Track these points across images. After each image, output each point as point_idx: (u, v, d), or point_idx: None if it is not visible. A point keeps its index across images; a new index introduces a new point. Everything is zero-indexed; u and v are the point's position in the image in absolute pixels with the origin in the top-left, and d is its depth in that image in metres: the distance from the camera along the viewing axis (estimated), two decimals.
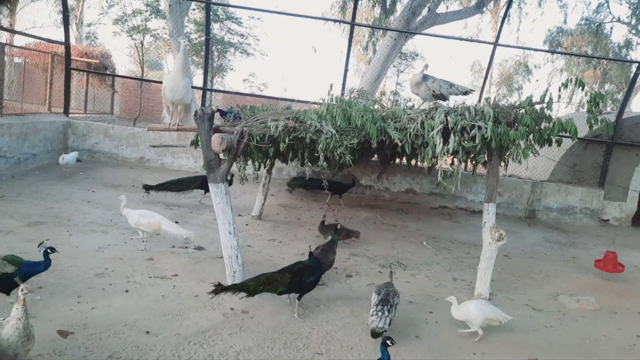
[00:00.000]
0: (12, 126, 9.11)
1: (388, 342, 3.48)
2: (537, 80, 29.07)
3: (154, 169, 11.28)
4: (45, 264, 4.26)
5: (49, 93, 11.84)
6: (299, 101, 9.20)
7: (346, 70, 11.95)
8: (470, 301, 4.68)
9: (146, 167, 11.45)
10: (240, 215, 8.10)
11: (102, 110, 17.32)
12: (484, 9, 18.03)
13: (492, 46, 12.42)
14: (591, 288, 6.59)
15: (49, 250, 4.32)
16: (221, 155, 5.26)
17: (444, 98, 6.28)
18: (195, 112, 5.25)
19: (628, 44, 24.13)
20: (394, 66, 26.42)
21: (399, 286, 5.74)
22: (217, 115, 5.60)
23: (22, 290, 3.04)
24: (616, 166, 11.91)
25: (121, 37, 22.76)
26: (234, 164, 5.50)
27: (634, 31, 24.12)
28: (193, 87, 9.91)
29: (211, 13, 14.14)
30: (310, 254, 5.12)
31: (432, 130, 5.18)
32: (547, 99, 5.29)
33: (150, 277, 5.15)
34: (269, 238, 7.19)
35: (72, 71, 12.40)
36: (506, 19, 13.84)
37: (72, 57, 12.57)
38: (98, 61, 17.56)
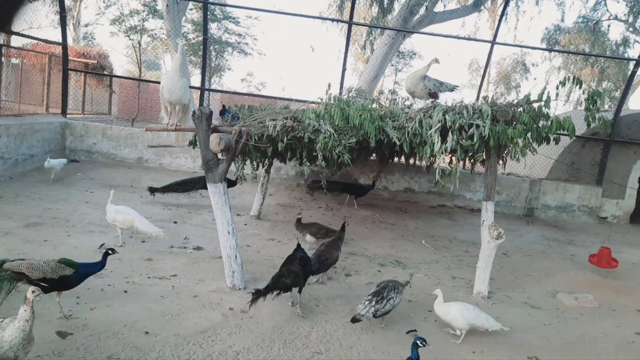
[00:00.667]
0: (9, 127, 9.09)
1: (419, 342, 3.46)
2: (534, 79, 29.15)
3: (152, 170, 11.27)
4: (101, 264, 4.34)
5: (47, 94, 11.82)
6: (297, 100, 9.21)
7: (344, 70, 11.95)
8: (455, 303, 4.62)
9: (144, 167, 11.44)
10: (238, 215, 8.10)
11: (99, 111, 17.30)
12: (482, 7, 18.04)
13: (489, 44, 12.44)
14: (590, 285, 6.60)
15: (109, 252, 4.42)
16: (219, 155, 5.26)
17: (436, 96, 6.36)
18: (194, 112, 5.24)
19: (625, 42, 24.18)
20: (392, 65, 26.44)
21: None
22: (215, 114, 5.60)
23: (32, 291, 3.04)
24: (614, 164, 11.95)
25: (119, 37, 22.75)
26: (232, 164, 5.50)
27: (631, 29, 24.16)
28: (191, 87, 9.88)
29: (209, 13, 14.13)
30: (298, 245, 5.20)
31: (430, 129, 5.18)
32: (544, 97, 5.29)
33: (149, 277, 5.15)
34: (268, 238, 7.19)
35: (69, 72, 12.38)
36: (504, 17, 13.87)
37: (70, 58, 12.54)
38: (95, 62, 17.54)
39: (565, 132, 5.29)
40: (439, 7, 16.48)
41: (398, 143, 5.35)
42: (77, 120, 12.02)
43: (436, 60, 6.40)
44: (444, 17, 16.41)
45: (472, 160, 6.61)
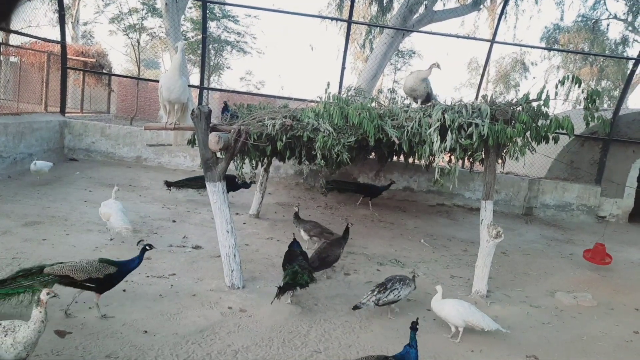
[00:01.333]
0: (8, 126, 9.07)
1: (417, 326, 3.58)
2: (534, 78, 29.15)
3: (151, 168, 11.26)
4: (139, 259, 4.37)
5: (45, 92, 11.80)
6: (296, 99, 9.20)
7: (343, 68, 11.94)
8: (451, 299, 4.63)
9: (143, 166, 11.42)
10: (237, 213, 8.09)
11: (98, 110, 17.27)
12: (481, 6, 18.02)
13: (489, 43, 12.44)
14: (588, 284, 6.61)
15: (147, 247, 4.47)
16: (218, 154, 5.25)
17: (429, 99, 6.41)
18: (193, 110, 5.23)
19: (624, 41, 24.18)
20: (391, 64, 26.46)
21: None
22: (215, 113, 5.59)
23: (47, 293, 3.07)
24: (613, 163, 11.96)
25: (117, 35, 22.76)
26: (231, 163, 5.49)
27: (630, 28, 24.16)
28: (190, 86, 9.87)
29: (208, 11, 14.11)
30: (294, 240, 5.44)
31: (430, 128, 5.18)
32: (544, 96, 5.29)
33: (148, 276, 5.14)
34: (267, 236, 7.19)
35: (68, 70, 12.35)
36: (503, 16, 13.87)
37: (68, 56, 12.52)
38: (94, 60, 17.51)
39: (564, 131, 5.29)
40: (438, 6, 16.48)
41: (397, 142, 5.35)
42: (75, 119, 12.00)
43: (437, 65, 6.40)
44: (444, 16, 16.39)
45: (471, 159, 6.61)
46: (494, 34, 12.60)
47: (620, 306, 5.96)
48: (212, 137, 5.02)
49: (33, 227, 6.20)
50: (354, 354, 4.02)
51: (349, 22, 12.55)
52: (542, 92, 5.33)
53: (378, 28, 18.92)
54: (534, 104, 5.43)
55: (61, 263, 4.07)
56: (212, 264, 5.70)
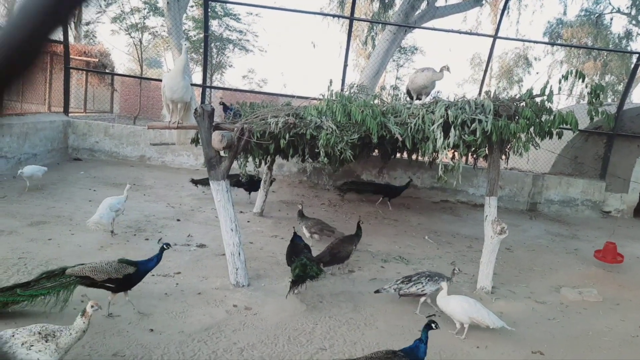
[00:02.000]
0: (12, 126, 9.11)
1: (433, 325, 3.58)
2: (537, 73, 28.97)
3: (154, 167, 11.29)
4: (157, 259, 4.42)
5: (49, 93, 11.84)
6: (298, 97, 9.19)
7: (345, 66, 11.93)
8: (455, 296, 4.63)
9: (147, 165, 11.45)
10: (241, 212, 8.10)
11: (101, 109, 17.32)
12: (483, 1, 17.97)
13: (491, 39, 12.39)
14: (593, 280, 6.60)
15: (165, 247, 4.50)
16: (222, 153, 5.26)
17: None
18: (196, 109, 5.24)
19: (628, 35, 24.05)
20: (394, 60, 26.40)
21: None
22: (218, 111, 5.61)
23: (91, 306, 3.17)
24: (617, 158, 11.90)
25: (120, 35, 22.81)
26: (235, 162, 5.50)
27: (634, 22, 24.02)
28: (192, 85, 9.88)
29: (209, 10, 14.11)
30: (295, 234, 5.63)
31: (433, 124, 5.17)
32: (547, 92, 5.28)
33: (153, 275, 5.14)
34: (271, 234, 7.20)
35: (71, 70, 12.38)
36: (505, 12, 13.80)
37: (71, 56, 12.55)
38: (97, 60, 17.53)
39: (568, 126, 5.27)
40: (440, 2, 16.42)
41: (400, 139, 5.34)
42: (79, 118, 12.04)
43: (447, 69, 6.39)
44: (446, 12, 16.34)
45: (474, 156, 6.59)
46: (497, 30, 12.55)
47: (626, 302, 5.94)
48: (216, 135, 5.03)
49: (38, 227, 6.22)
50: (359, 351, 4.03)
51: (351, 19, 12.53)
52: (545, 87, 5.31)
53: (380, 25, 18.89)
54: (538, 100, 5.41)
55: (82, 264, 4.14)
56: (216, 262, 5.72)
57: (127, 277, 4.12)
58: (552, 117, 5.30)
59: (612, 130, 11.71)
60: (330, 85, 5.89)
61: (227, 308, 4.57)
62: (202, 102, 12.32)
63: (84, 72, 16.25)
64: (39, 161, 9.92)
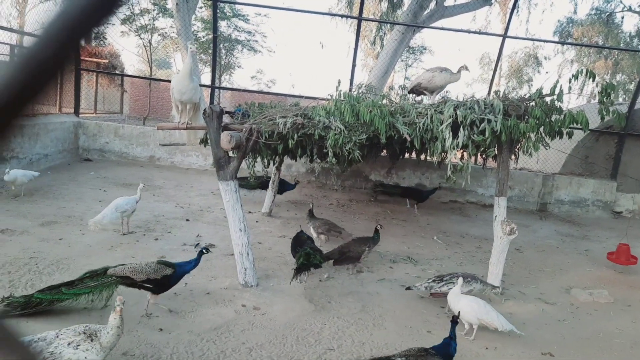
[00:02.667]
0: (23, 127, 9.20)
1: (458, 321, 3.76)
2: (547, 72, 28.77)
3: (164, 168, 11.36)
4: (196, 262, 4.47)
5: (60, 94, 11.94)
6: (307, 97, 9.20)
7: (354, 66, 11.91)
8: (468, 296, 4.61)
9: (156, 165, 11.52)
10: (250, 212, 8.13)
11: (111, 110, 17.45)
12: (493, 0, 17.86)
13: (501, 38, 12.32)
14: (604, 281, 6.53)
15: (204, 251, 4.55)
16: (230, 153, 5.28)
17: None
18: (204, 110, 5.27)
19: (639, 34, 23.78)
20: (402, 60, 26.33)
21: (411, 281, 5.75)
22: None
23: (117, 302, 3.24)
24: (629, 157, 11.78)
25: (129, 36, 22.89)
26: (243, 162, 5.52)
27: None
28: (201, 85, 9.93)
29: (218, 11, 14.17)
30: (300, 230, 5.85)
31: (441, 124, 5.15)
32: (557, 91, 5.23)
33: None
34: (280, 234, 7.22)
35: (81, 71, 12.49)
36: (515, 11, 13.72)
37: (82, 58, 12.67)
38: (107, 61, 17.68)
39: (579, 125, 5.23)
40: (449, 1, 16.34)
41: (409, 139, 5.33)
42: (89, 119, 12.14)
43: (466, 68, 6.35)
44: (455, 11, 16.26)
45: (484, 156, 6.55)
46: (506, 29, 12.47)
47: (638, 303, 5.88)
48: (224, 136, 5.05)
49: (49, 227, 6.29)
50: (367, 352, 4.03)
51: (359, 19, 12.51)
52: (555, 86, 5.27)
53: (388, 24, 18.85)
54: (548, 99, 5.37)
55: (123, 265, 4.24)
56: (225, 262, 5.74)
57: (165, 278, 4.20)
58: (562, 116, 5.25)
59: (624, 129, 11.59)
60: (339, 85, 5.89)
61: (236, 308, 4.59)
62: (211, 102, 12.38)
63: (95, 73, 16.38)
64: (49, 162, 10.02)
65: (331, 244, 6.66)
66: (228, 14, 24.03)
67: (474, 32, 15.31)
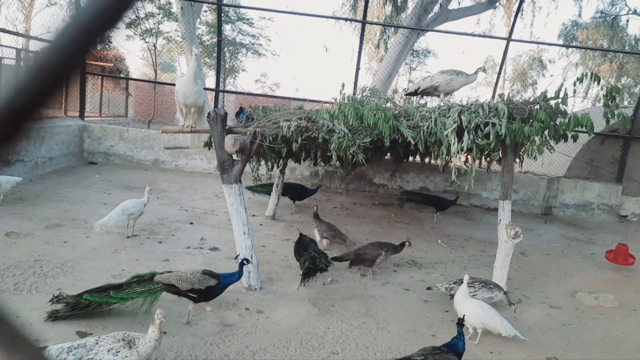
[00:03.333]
0: (32, 130, 9.24)
1: (463, 322, 3.83)
2: (551, 75, 28.63)
3: (168, 171, 11.39)
4: (239, 274, 4.46)
5: (65, 97, 11.99)
6: (311, 101, 9.20)
7: (358, 69, 11.93)
8: (473, 299, 4.58)
9: (161, 169, 11.56)
10: (254, 215, 8.13)
11: (116, 113, 17.53)
12: (497, 4, 17.84)
13: (505, 41, 12.31)
14: (610, 285, 6.49)
15: (244, 262, 4.53)
16: (235, 156, 5.29)
17: None
18: (209, 113, 5.29)
19: None
20: (406, 64, 26.30)
21: (415, 285, 5.74)
22: (231, 116, 5.65)
23: (157, 315, 3.30)
24: (634, 161, 11.72)
25: (134, 40, 22.99)
26: (247, 165, 5.53)
27: None
28: (205, 89, 9.96)
29: (222, 14, 14.22)
30: (300, 234, 5.88)
31: (446, 129, 5.14)
32: (562, 94, 5.22)
33: None
34: (283, 238, 7.21)
35: (87, 75, 12.56)
36: (519, 14, 13.72)
37: (87, 61, 12.72)
38: (112, 65, 17.77)
39: (584, 129, 5.21)
40: (453, 5, 16.35)
41: (413, 142, 5.32)
42: (94, 123, 12.20)
43: (483, 69, 6.34)
44: (459, 15, 16.26)
45: (488, 159, 6.54)
46: (510, 32, 12.46)
47: None
48: (228, 139, 5.06)
49: (54, 230, 6.31)
50: (371, 355, 4.02)
51: (363, 22, 12.54)
52: (560, 89, 5.25)
53: (392, 28, 18.84)
54: (552, 102, 5.35)
55: (169, 272, 4.29)
56: (229, 265, 5.73)
57: (208, 289, 4.21)
58: (567, 119, 5.23)
59: (629, 133, 11.53)
60: (343, 88, 5.90)
61: (240, 311, 4.58)
62: (216, 106, 12.41)
63: (100, 76, 16.46)
64: (54, 165, 10.06)
65: (334, 250, 6.67)
66: (232, 17, 24.10)
67: (478, 36, 15.31)
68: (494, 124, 5.07)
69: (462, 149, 5.12)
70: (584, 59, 26.90)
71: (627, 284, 6.62)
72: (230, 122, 6.09)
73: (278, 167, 8.08)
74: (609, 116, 5.21)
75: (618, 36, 23.82)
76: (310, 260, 5.09)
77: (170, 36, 23.81)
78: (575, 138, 5.51)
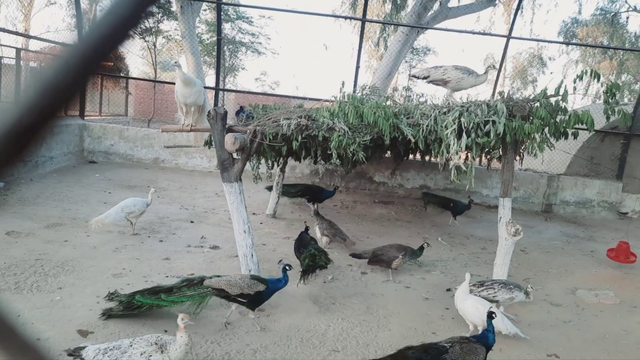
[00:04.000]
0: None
1: (493, 314, 3.87)
2: (551, 73, 28.57)
3: (168, 170, 11.39)
4: (285, 280, 4.46)
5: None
6: (311, 99, 9.21)
7: (357, 67, 11.92)
8: (472, 297, 4.57)
9: (161, 167, 11.56)
10: (254, 213, 8.13)
11: (116, 112, 17.51)
12: (496, 1, 17.81)
13: (505, 39, 12.29)
14: (610, 282, 6.50)
15: (287, 268, 4.52)
16: (235, 155, 5.29)
17: None
18: (209, 112, 5.29)
19: None
20: (406, 61, 26.25)
21: (415, 282, 5.75)
22: (231, 114, 5.65)
23: (182, 319, 3.32)
24: (635, 158, 11.71)
25: (134, 39, 22.96)
26: (247, 163, 5.53)
27: None
28: (205, 88, 9.94)
29: (222, 13, 14.21)
30: (306, 228, 6.03)
31: (446, 128, 5.13)
32: (562, 91, 5.21)
33: (167, 276, 5.20)
34: (284, 236, 7.22)
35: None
36: (519, 11, 13.70)
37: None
38: (112, 64, 17.74)
39: (584, 126, 5.21)
40: (453, 3, 16.30)
41: (413, 140, 5.32)
42: (94, 122, 12.20)
43: (493, 66, 6.31)
44: (458, 13, 16.23)
45: (488, 157, 6.53)
46: (510, 30, 12.45)
47: None
48: (229, 138, 5.06)
49: (55, 229, 6.32)
50: (372, 353, 4.02)
51: (363, 20, 12.53)
52: (560, 87, 5.25)
53: (392, 26, 18.82)
54: (552, 100, 5.35)
55: (218, 276, 4.32)
56: (229, 263, 5.75)
57: (257, 294, 4.23)
58: (567, 117, 5.23)
59: (629, 130, 11.53)
60: (343, 86, 5.90)
61: (241, 309, 4.58)
62: (215, 104, 12.41)
63: (99, 75, 16.43)
64: (55, 164, 10.06)
65: (334, 248, 6.67)
66: (232, 16, 24.08)
67: (478, 33, 15.30)
68: (494, 122, 5.07)
69: (461, 148, 5.12)
70: (584, 56, 26.86)
71: (628, 281, 6.62)
72: (230, 120, 6.10)
73: (278, 165, 8.08)
74: (609, 113, 5.20)
75: (618, 33, 23.79)
76: (310, 258, 5.18)
77: (170, 35, 23.80)
78: (575, 135, 5.50)
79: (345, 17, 18.58)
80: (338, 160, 5.43)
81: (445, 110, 5.40)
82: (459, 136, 5.12)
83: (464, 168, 5.24)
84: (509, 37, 12.25)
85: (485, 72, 6.17)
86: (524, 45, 28.02)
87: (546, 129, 5.25)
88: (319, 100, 8.25)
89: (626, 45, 23.45)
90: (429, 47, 27.78)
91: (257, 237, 6.13)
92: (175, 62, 5.94)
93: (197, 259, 5.85)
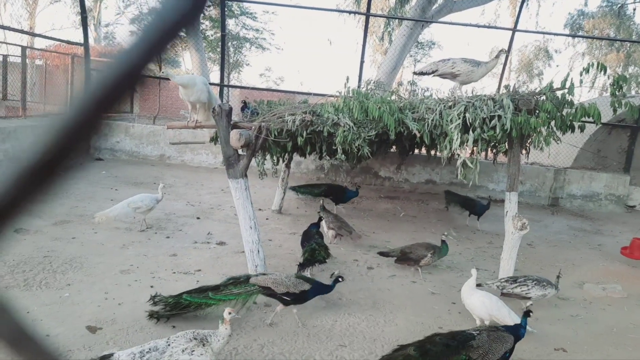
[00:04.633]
0: (35, 127, 9.30)
1: (530, 314, 3.95)
2: (557, 65, 28.39)
3: (174, 166, 11.43)
4: (331, 288, 4.51)
5: (71, 94, 12.05)
6: (315, 94, 9.20)
7: (362, 62, 11.89)
8: (480, 291, 4.56)
9: (167, 164, 11.60)
10: (260, 209, 8.15)
11: (122, 109, 17.55)
12: None
13: (510, 32, 12.21)
14: (618, 276, 6.47)
15: (339, 280, 4.55)
16: (240, 151, 5.30)
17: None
18: (213, 109, 5.29)
19: None
20: (411, 56, 26.16)
21: (421, 277, 5.74)
22: (236, 110, 5.65)
23: (229, 313, 3.38)
24: None
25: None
26: (253, 160, 5.54)
27: None
28: (210, 84, 9.95)
29: (226, 9, 14.19)
30: (320, 218, 6.05)
31: (451, 123, 5.11)
32: (568, 84, 5.17)
33: (174, 272, 5.23)
34: (290, 232, 7.23)
35: (92, 71, 12.58)
36: (525, 4, 13.57)
37: (92, 58, 12.76)
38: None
39: (591, 119, 5.17)
40: None
41: (418, 135, 5.31)
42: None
43: (504, 51, 6.27)
44: (463, 6, 16.13)
45: (494, 151, 6.51)
46: (516, 22, 12.36)
47: None
48: (234, 134, 5.07)
49: (62, 226, 6.36)
50: (379, 348, 4.03)
51: (367, 15, 12.48)
52: (566, 79, 5.21)
53: (397, 20, 18.74)
54: (559, 93, 5.31)
55: (264, 274, 4.39)
56: (236, 259, 5.77)
57: (302, 293, 4.27)
58: (573, 110, 5.19)
59: (637, 122, 11.45)
60: (347, 82, 5.88)
61: (247, 305, 4.60)
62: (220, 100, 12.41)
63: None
64: None
65: (340, 243, 6.68)
66: (236, 12, 24.06)
67: (483, 26, 15.21)
68: (500, 117, 5.04)
69: (465, 142, 5.10)
70: (590, 49, 26.65)
71: (635, 275, 6.59)
72: (235, 116, 6.10)
73: (284, 161, 8.08)
74: (616, 106, 5.16)
75: (625, 25, 23.58)
76: (310, 252, 5.28)
77: None
78: (582, 128, 5.46)
79: (350, 12, 18.54)
80: (343, 156, 5.42)
81: (450, 104, 5.37)
82: (464, 131, 5.10)
83: (469, 164, 5.22)
84: (514, 30, 12.17)
85: (496, 57, 6.11)
86: (530, 38, 27.85)
87: (552, 123, 5.22)
88: (323, 95, 8.25)
89: (633, 37, 23.24)
90: (434, 41, 27.66)
91: (263, 232, 6.14)
92: (163, 72, 5.93)
93: (204, 255, 5.87)
